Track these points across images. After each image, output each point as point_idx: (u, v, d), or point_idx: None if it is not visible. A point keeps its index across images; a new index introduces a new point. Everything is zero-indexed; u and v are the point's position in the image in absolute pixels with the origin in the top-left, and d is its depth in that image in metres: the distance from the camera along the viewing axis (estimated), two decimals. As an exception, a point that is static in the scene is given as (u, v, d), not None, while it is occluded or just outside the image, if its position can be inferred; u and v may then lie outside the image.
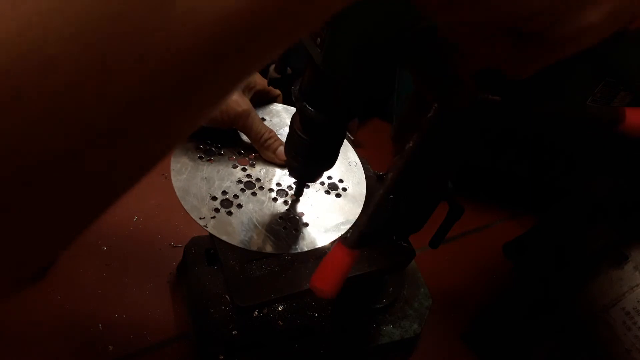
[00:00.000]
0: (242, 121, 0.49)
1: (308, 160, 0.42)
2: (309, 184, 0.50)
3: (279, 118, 0.56)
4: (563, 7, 0.18)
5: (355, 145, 0.59)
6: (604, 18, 0.19)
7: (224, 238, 0.43)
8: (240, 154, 0.51)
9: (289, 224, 0.47)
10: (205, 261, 0.64)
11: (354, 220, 0.49)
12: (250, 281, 0.47)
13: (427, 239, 0.56)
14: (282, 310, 0.61)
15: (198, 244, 0.66)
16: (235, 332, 0.58)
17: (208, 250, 0.65)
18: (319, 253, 0.52)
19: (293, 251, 0.46)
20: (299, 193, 0.48)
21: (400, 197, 0.53)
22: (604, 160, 0.66)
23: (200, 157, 0.48)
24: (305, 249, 0.46)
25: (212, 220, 0.44)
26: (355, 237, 0.35)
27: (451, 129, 0.41)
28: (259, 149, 0.51)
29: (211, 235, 0.48)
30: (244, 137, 0.52)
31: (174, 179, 0.45)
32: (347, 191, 0.52)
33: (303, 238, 0.47)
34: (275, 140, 0.51)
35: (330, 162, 0.43)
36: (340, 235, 0.48)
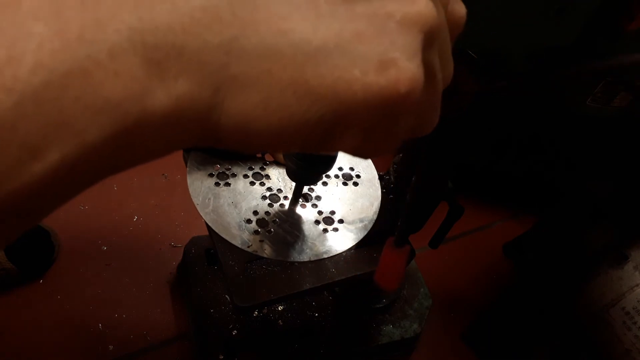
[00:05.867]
0: None
1: (306, 163, 0.42)
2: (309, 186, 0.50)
3: None
4: (315, 142, 0.19)
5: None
6: (363, 139, 0.20)
7: (281, 258, 0.44)
8: (251, 169, 0.50)
9: (327, 225, 0.47)
10: (205, 261, 0.64)
11: (379, 204, 0.50)
12: (250, 281, 0.47)
13: (427, 239, 0.56)
14: (282, 310, 0.61)
15: (198, 244, 0.66)
16: (235, 332, 0.58)
17: (208, 250, 0.65)
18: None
19: (347, 247, 0.46)
20: (297, 195, 0.48)
21: (399, 197, 0.53)
22: (603, 160, 0.66)
23: (217, 184, 0.48)
24: (359, 238, 0.47)
25: (261, 243, 0.44)
26: (400, 237, 0.40)
27: (451, 129, 0.41)
28: (271, 152, 0.51)
29: (211, 235, 0.48)
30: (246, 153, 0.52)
31: (203, 214, 0.45)
32: (362, 177, 0.52)
33: (347, 232, 0.47)
34: None
35: (328, 165, 0.43)
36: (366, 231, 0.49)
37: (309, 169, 0.43)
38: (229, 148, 0.20)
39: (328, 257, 0.46)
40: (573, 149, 0.76)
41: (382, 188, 0.55)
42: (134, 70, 0.15)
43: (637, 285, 0.57)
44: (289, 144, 0.19)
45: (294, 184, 0.49)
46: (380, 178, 0.56)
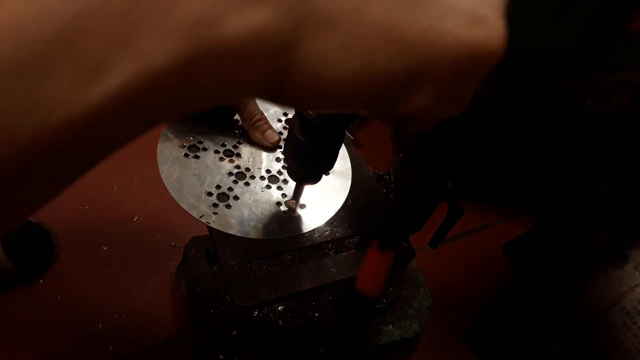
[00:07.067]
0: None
1: (308, 163, 0.42)
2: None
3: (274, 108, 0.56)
4: (387, 97, 0.18)
5: (356, 146, 0.59)
6: (434, 100, 0.19)
7: (230, 232, 0.44)
8: (223, 145, 0.51)
9: (288, 208, 0.48)
10: (205, 261, 0.64)
11: (347, 193, 0.50)
12: (250, 281, 0.47)
13: (427, 239, 0.56)
14: (282, 310, 0.61)
15: (198, 244, 0.66)
16: (235, 332, 0.58)
17: (208, 250, 0.65)
18: (318, 252, 0.52)
19: (298, 233, 0.46)
20: (297, 196, 0.48)
21: (400, 197, 0.53)
22: (603, 160, 0.66)
23: (186, 155, 0.49)
24: (310, 229, 0.47)
25: (215, 216, 0.44)
26: (385, 240, 0.39)
27: (450, 128, 0.41)
28: (247, 129, 0.52)
29: (211, 235, 0.48)
30: (224, 130, 0.52)
31: (165, 181, 0.45)
32: (334, 169, 0.53)
33: (304, 219, 0.47)
34: (265, 123, 0.52)
35: (329, 165, 0.43)
36: (335, 213, 0.49)
37: (310, 169, 0.43)
38: (290, 102, 0.18)
39: (284, 237, 0.46)
40: (573, 149, 0.76)
41: (382, 188, 0.55)
42: None
43: (637, 285, 0.57)
44: (361, 98, 0.18)
45: (261, 164, 0.50)
46: (380, 178, 0.56)
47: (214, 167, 0.48)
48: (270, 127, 0.52)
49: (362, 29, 0.16)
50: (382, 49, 0.16)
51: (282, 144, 0.53)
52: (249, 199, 0.47)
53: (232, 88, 0.16)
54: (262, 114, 0.51)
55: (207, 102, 0.16)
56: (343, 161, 0.54)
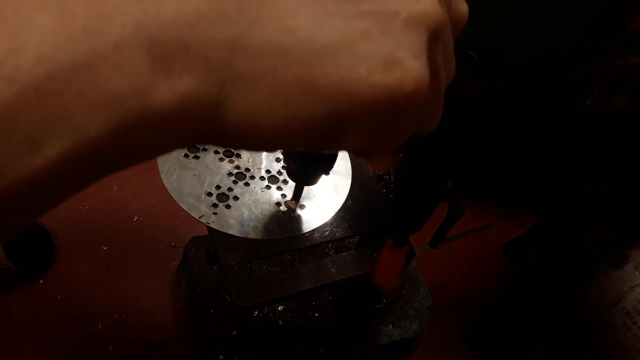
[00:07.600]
0: None
1: (307, 164, 0.42)
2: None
3: None
4: (321, 139, 0.19)
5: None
6: (368, 138, 0.20)
7: (230, 232, 0.44)
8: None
9: (288, 208, 0.48)
10: (205, 261, 0.64)
11: (347, 193, 0.50)
12: (250, 281, 0.47)
13: (427, 239, 0.56)
14: (282, 310, 0.61)
15: (198, 244, 0.66)
16: (235, 332, 0.58)
17: (208, 250, 0.65)
18: (318, 252, 0.52)
19: (298, 233, 0.47)
20: (296, 196, 0.48)
21: (400, 197, 0.53)
22: (603, 160, 0.66)
23: (186, 155, 0.49)
24: (310, 229, 0.47)
25: (214, 216, 0.44)
26: (398, 238, 0.37)
27: (450, 127, 0.41)
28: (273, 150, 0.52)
29: (211, 235, 0.48)
30: None
31: (165, 181, 0.46)
32: (334, 169, 0.53)
33: (303, 219, 0.48)
34: None
35: (329, 165, 0.43)
36: (337, 210, 0.49)
37: (309, 170, 0.43)
38: (233, 147, 0.20)
39: (284, 238, 0.46)
40: (573, 149, 0.76)
41: (382, 188, 0.55)
42: (139, 66, 0.15)
43: (637, 285, 0.57)
44: (294, 142, 0.19)
45: (261, 165, 0.50)
46: (380, 178, 0.56)
47: (214, 167, 0.49)
48: None
49: (282, 85, 0.17)
50: (304, 101, 0.17)
51: None
52: (249, 199, 0.47)
53: (172, 143, 0.18)
54: None
55: (152, 155, 0.18)
56: (343, 161, 0.54)
